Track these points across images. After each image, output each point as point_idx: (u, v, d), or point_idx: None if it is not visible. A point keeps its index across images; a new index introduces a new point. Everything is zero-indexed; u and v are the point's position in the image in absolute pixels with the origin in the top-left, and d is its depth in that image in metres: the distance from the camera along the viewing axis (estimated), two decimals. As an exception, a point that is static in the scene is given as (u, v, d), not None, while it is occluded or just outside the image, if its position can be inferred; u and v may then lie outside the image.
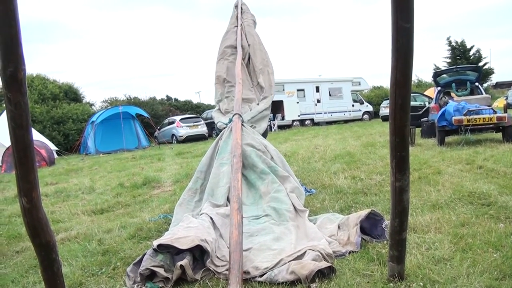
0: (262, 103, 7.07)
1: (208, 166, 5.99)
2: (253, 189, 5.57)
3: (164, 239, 3.74)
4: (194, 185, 5.83)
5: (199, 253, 3.73)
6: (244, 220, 4.71)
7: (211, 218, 4.51)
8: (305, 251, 3.72)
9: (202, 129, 26.58)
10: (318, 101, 33.05)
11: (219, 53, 7.73)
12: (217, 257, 3.81)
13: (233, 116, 6.29)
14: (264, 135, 7.01)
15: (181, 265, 3.49)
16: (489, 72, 42.68)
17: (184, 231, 3.93)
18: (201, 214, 4.80)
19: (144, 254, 3.66)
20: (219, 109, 7.35)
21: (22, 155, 1.90)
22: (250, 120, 6.58)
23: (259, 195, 5.44)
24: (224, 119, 6.72)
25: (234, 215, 4.05)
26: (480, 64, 39.30)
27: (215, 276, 3.65)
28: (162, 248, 3.60)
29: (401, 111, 2.65)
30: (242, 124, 6.19)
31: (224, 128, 6.46)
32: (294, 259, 3.62)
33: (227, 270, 3.48)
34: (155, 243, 3.64)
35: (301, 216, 4.92)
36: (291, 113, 31.42)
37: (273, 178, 5.53)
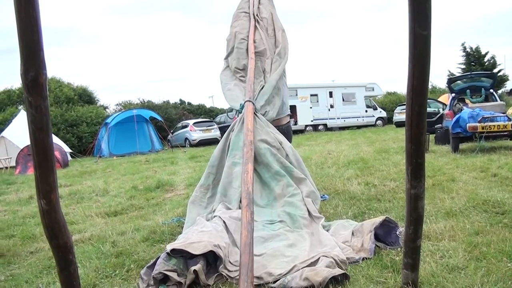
0: (275, 73, 6.28)
1: (220, 160, 5.74)
2: (267, 189, 5.39)
3: (178, 243, 3.74)
4: (206, 181, 5.65)
5: (212, 258, 3.73)
6: (258, 224, 4.69)
7: (224, 222, 4.50)
8: (319, 258, 3.70)
9: (215, 133, 26.71)
10: (332, 106, 33.04)
11: (233, 19, 7.26)
12: (230, 262, 3.80)
13: (245, 102, 5.82)
14: (287, 133, 6.55)
15: (194, 270, 3.50)
16: (504, 78, 42.31)
17: (198, 236, 3.94)
18: (214, 217, 4.79)
19: (158, 257, 3.67)
20: (228, 66, 6.73)
21: (42, 158, 1.93)
22: (264, 106, 6.06)
23: (273, 196, 5.28)
24: (235, 102, 6.13)
25: (243, 212, 3.89)
26: (495, 70, 38.97)
27: (228, 280, 3.66)
28: (176, 253, 3.61)
29: (418, 118, 2.65)
30: (255, 113, 5.80)
31: (237, 111, 6.06)
32: (307, 266, 3.61)
33: (239, 274, 3.48)
34: (169, 247, 3.64)
35: (316, 222, 4.86)
36: (304, 118, 31.42)
37: (289, 181, 5.34)
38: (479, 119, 10.61)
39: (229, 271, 3.70)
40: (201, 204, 5.43)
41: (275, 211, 5.05)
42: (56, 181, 2.02)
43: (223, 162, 5.64)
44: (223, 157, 5.71)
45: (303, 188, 5.34)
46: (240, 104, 5.92)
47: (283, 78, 6.66)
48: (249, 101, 5.78)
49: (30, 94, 1.82)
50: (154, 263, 3.63)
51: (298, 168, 5.61)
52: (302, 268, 3.56)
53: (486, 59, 41.30)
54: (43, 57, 1.79)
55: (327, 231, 4.62)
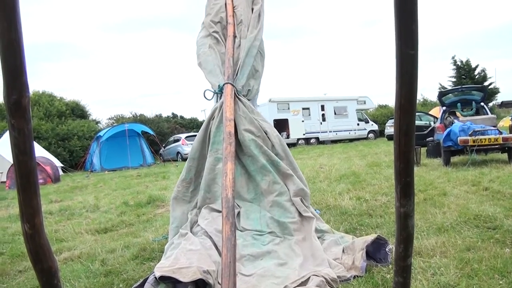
0: (252, 36, 5.57)
1: (200, 151, 5.37)
2: (254, 182, 5.13)
3: (166, 268, 3.61)
4: (187, 175, 5.35)
5: (201, 280, 3.67)
6: (247, 235, 4.63)
7: (211, 237, 4.41)
8: (309, 277, 3.67)
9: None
10: (324, 119, 33.13)
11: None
12: (219, 283, 3.74)
13: (224, 85, 5.22)
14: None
15: None
16: (495, 91, 42.71)
17: (186, 257, 3.85)
18: (198, 225, 4.70)
19: (146, 278, 3.61)
20: (206, 27, 5.96)
21: (25, 181, 1.89)
22: (246, 83, 5.46)
23: (260, 191, 5.06)
24: (212, 77, 5.48)
25: (223, 225, 3.63)
26: (485, 83, 39.35)
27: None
28: (164, 278, 3.54)
29: (406, 137, 2.63)
30: (237, 96, 5.28)
31: (215, 92, 5.48)
32: (298, 286, 3.57)
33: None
34: (157, 273, 3.52)
35: (307, 222, 4.75)
36: (296, 131, 31.50)
37: (275, 177, 5.05)
38: (470, 133, 10.68)
39: (218, 292, 3.64)
40: (184, 198, 5.24)
41: (264, 213, 4.89)
42: (40, 204, 1.98)
43: (204, 153, 5.34)
44: (204, 147, 5.37)
45: (290, 186, 5.09)
46: (219, 86, 5.34)
47: (261, 35, 5.85)
48: (229, 83, 5.21)
49: (13, 117, 1.79)
50: (142, 284, 3.56)
51: (285, 160, 5.30)
52: (292, 288, 3.53)
53: (476, 72, 41.70)
54: (26, 80, 1.76)
55: (320, 240, 4.55)
